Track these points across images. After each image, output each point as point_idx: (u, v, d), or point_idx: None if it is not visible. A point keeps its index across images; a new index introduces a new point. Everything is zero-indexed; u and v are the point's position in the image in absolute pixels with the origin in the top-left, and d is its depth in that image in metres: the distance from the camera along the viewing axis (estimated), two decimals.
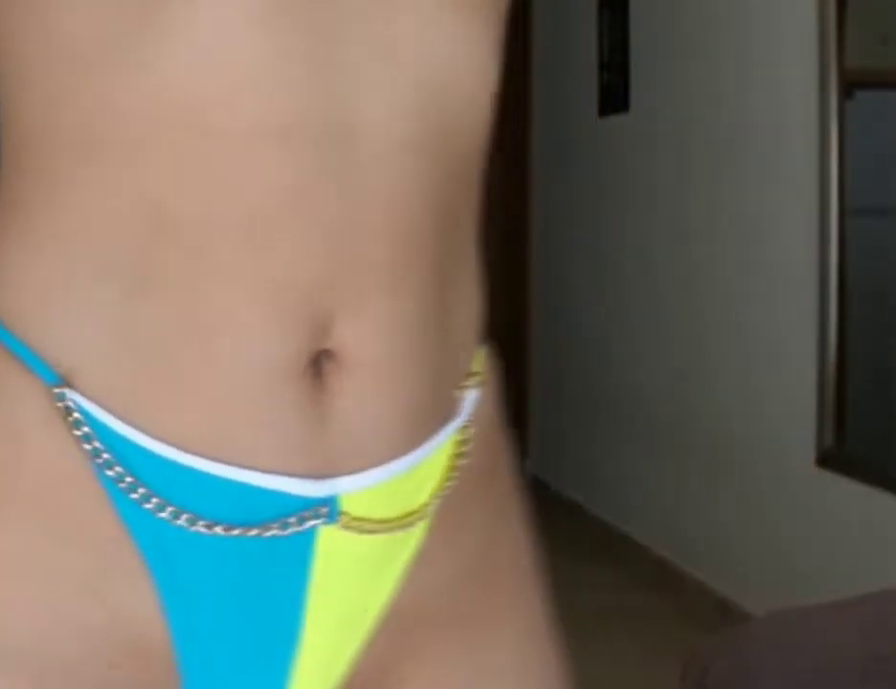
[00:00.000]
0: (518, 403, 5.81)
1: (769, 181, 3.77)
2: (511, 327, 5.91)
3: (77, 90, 0.68)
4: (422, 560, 0.81)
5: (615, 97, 4.80)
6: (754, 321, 3.88)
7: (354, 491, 0.75)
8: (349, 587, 0.77)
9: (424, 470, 0.78)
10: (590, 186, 5.12)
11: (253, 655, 0.76)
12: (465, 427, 0.82)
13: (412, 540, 0.80)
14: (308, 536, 0.75)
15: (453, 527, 0.82)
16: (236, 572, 0.74)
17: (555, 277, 5.56)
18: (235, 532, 0.73)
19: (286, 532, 0.73)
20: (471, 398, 0.82)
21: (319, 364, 0.73)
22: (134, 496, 0.71)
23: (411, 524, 0.79)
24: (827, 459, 3.45)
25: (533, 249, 5.85)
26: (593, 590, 4.25)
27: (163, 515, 0.72)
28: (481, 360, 0.85)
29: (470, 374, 0.82)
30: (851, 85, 3.40)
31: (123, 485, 0.71)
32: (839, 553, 3.41)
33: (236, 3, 0.67)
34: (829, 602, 2.00)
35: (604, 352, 4.99)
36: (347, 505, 0.75)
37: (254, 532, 0.73)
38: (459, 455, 0.81)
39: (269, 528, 0.73)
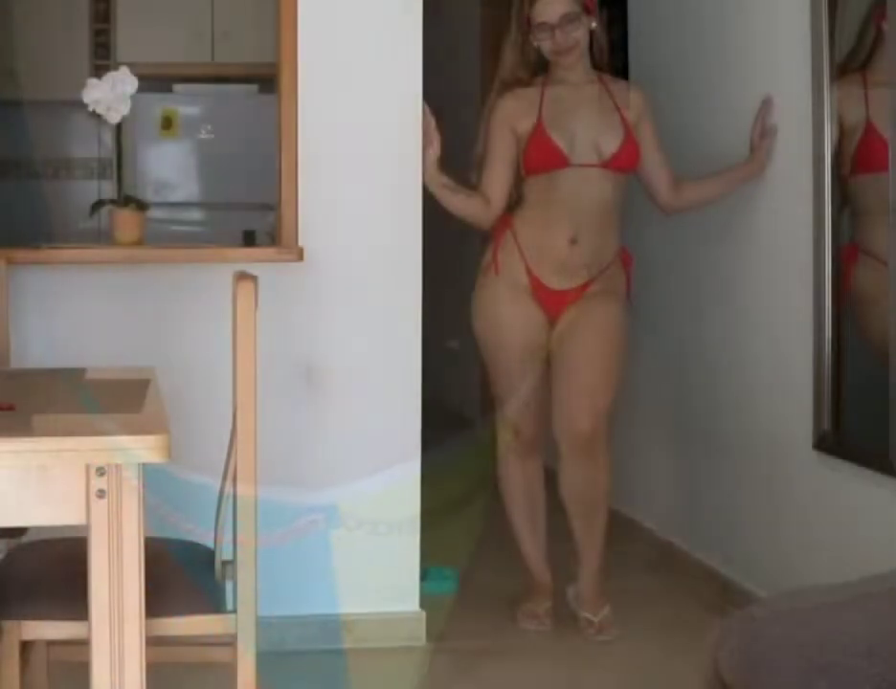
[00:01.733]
0: None
1: (767, 175, 3.81)
2: None
3: None
4: None
5: None
6: (752, 309, 3.93)
7: None
8: None
9: None
10: None
11: None
12: None
13: None
14: None
15: None
16: None
17: None
18: None
19: None
20: None
21: None
22: None
23: None
24: (824, 443, 3.49)
25: None
26: None
27: None
28: None
29: None
30: (848, 84, 3.41)
31: None
32: (836, 535, 3.46)
33: None
34: (835, 600, 2.00)
35: None
36: None
37: None
38: None
39: None
